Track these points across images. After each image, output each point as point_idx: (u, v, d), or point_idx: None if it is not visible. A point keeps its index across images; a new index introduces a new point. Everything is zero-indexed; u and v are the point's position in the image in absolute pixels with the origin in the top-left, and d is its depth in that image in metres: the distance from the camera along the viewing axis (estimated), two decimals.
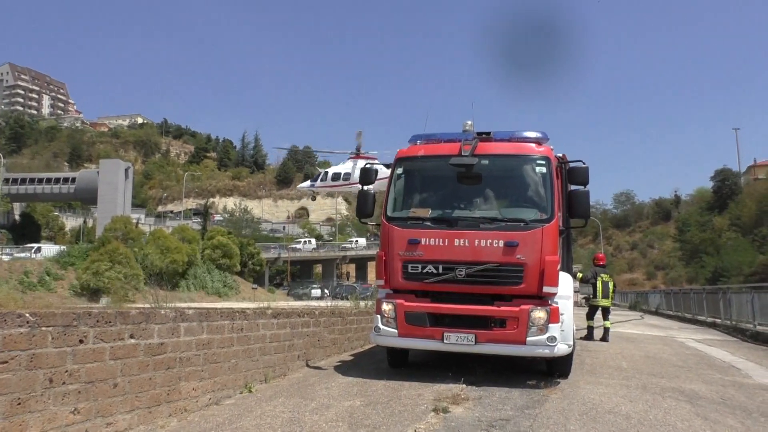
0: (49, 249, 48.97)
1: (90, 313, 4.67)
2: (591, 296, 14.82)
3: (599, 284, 14.28)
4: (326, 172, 34.51)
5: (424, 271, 7.40)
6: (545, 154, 7.69)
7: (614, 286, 15.08)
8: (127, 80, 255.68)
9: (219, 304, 34.15)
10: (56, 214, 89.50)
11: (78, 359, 4.42)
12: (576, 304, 12.51)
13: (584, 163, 7.95)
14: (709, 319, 20.78)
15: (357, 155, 33.28)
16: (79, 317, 4.51)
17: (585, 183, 7.87)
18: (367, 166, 8.61)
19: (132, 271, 38.26)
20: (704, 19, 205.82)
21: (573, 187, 8.06)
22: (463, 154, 7.63)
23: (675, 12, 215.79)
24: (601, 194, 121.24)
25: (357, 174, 32.45)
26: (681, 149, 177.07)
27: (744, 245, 62.84)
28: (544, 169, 7.57)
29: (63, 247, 47.17)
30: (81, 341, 4.47)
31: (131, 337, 5.00)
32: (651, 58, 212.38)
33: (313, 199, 35.64)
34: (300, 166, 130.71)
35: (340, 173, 34.27)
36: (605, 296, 14.34)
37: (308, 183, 34.93)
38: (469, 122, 8.50)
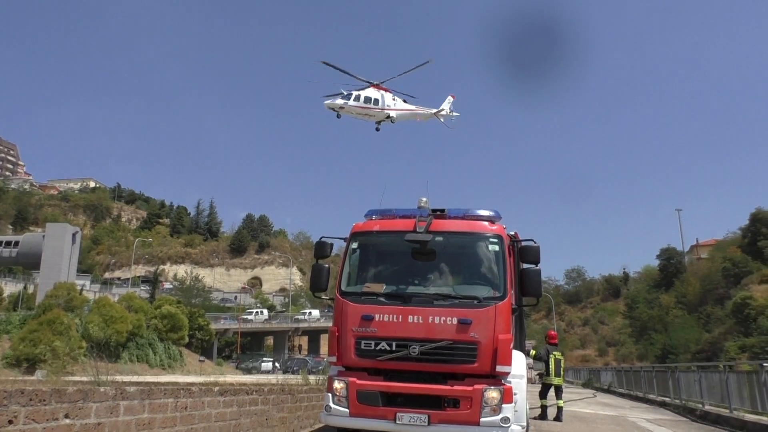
0: None
1: (23, 391, 4.40)
2: (544, 374, 14.84)
3: (552, 363, 14.35)
4: (358, 95, 35.35)
5: (378, 348, 7.28)
6: (498, 232, 7.83)
7: (563, 362, 15.17)
8: (80, 144, 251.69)
9: (164, 377, 32.64)
10: None
11: None
12: (530, 381, 12.49)
13: (535, 242, 8.12)
14: (660, 398, 20.97)
15: (377, 85, 35.73)
16: (11, 396, 4.24)
17: (536, 261, 8.01)
18: (322, 240, 8.56)
19: (72, 341, 36.42)
20: (646, 105, 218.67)
21: (525, 266, 8.19)
22: (417, 230, 7.70)
23: (620, 97, 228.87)
24: (552, 270, 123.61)
25: (384, 102, 35.25)
26: (628, 227, 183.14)
27: (690, 323, 64.32)
28: (496, 247, 7.68)
29: None
30: (10, 422, 4.19)
31: (66, 416, 4.72)
32: (598, 140, 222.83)
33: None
34: (255, 235, 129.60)
35: (371, 97, 35.53)
36: (558, 374, 14.39)
37: (341, 100, 34.87)
38: (424, 199, 8.64)
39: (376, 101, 35.56)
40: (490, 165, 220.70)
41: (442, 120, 38.22)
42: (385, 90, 36.27)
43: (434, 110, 37.90)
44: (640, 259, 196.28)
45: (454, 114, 38.74)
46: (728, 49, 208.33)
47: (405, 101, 37.20)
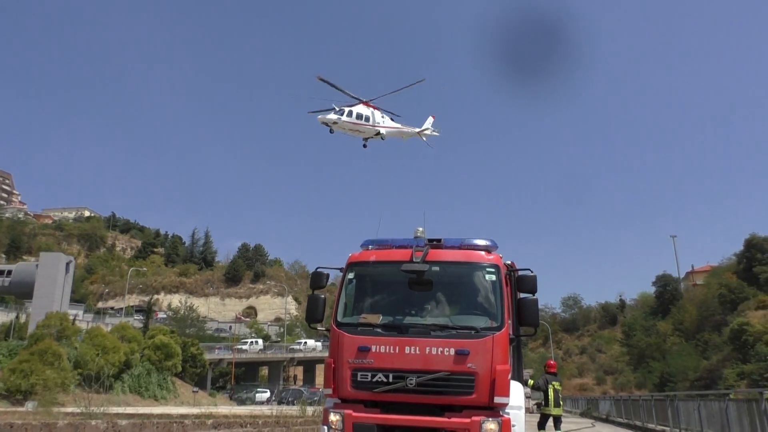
0: None
1: (12, 425, 4.32)
2: (543, 404, 14.68)
3: (551, 392, 14.20)
4: (351, 110, 35.93)
5: (374, 379, 7.19)
6: (494, 261, 7.80)
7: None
8: (75, 173, 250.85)
9: (157, 409, 32.14)
10: None
11: None
12: (528, 410, 12.36)
13: (532, 272, 8.09)
14: (659, 427, 20.74)
15: (366, 102, 36.57)
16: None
17: (533, 291, 7.96)
18: (318, 270, 8.50)
19: (63, 372, 35.93)
20: (639, 130, 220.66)
21: (522, 295, 8.14)
22: (414, 260, 7.67)
23: (615, 121, 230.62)
24: (549, 298, 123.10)
25: (375, 119, 36.55)
26: (623, 254, 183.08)
27: (688, 350, 64.01)
28: (493, 277, 7.64)
29: None
30: None
31: None
32: (592, 166, 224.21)
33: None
34: (250, 264, 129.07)
35: (362, 114, 36.17)
36: (557, 405, 14.23)
37: (334, 116, 35.48)
38: (421, 229, 8.64)
39: (368, 118, 36.50)
40: (484, 191, 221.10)
41: (424, 139, 39.42)
42: (374, 107, 37.18)
43: (418, 129, 39.05)
44: (636, 286, 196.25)
45: (435, 132, 40.01)
46: (723, 69, 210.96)
47: (392, 119, 38.31)
